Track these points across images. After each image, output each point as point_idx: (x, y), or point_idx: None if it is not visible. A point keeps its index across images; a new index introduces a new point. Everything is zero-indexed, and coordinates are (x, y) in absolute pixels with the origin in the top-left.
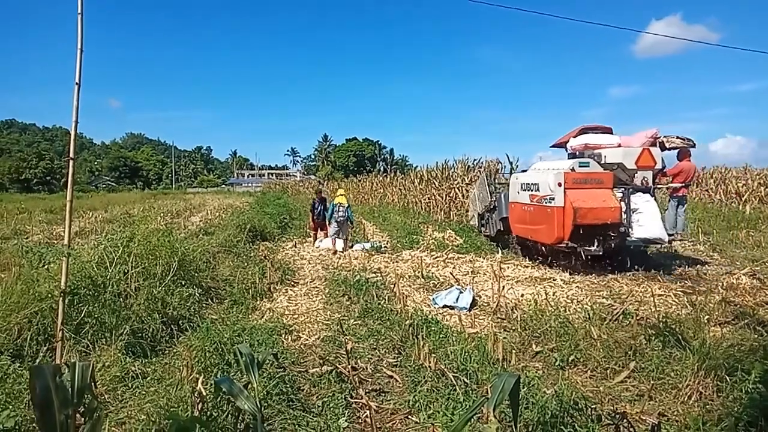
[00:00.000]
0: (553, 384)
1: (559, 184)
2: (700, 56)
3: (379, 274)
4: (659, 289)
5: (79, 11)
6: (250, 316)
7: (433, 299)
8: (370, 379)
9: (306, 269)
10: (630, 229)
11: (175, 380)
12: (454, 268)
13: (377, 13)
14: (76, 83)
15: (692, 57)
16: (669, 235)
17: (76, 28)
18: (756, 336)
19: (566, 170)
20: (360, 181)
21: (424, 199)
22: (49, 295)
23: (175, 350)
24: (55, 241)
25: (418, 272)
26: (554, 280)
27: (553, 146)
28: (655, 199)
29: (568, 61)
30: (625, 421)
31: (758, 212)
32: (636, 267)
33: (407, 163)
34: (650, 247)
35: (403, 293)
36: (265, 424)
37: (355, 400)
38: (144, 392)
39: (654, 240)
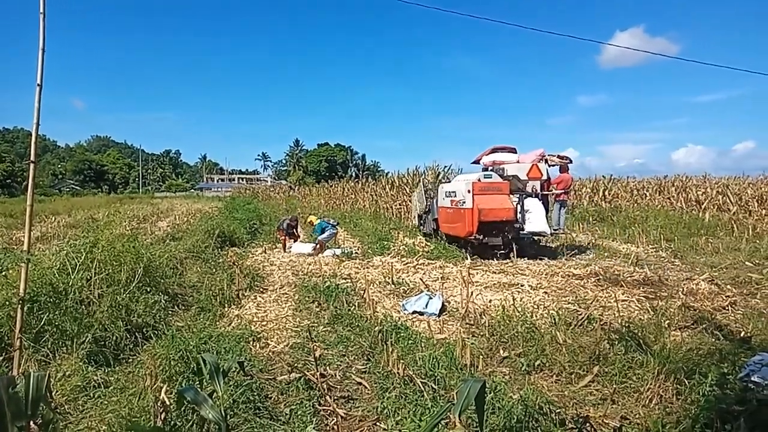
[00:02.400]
0: (519, 389)
1: (469, 191)
2: (662, 68)
3: (349, 281)
4: (623, 294)
5: (42, 10)
6: (217, 323)
7: (403, 305)
8: (338, 386)
9: (276, 275)
10: (522, 225)
11: (138, 389)
12: (424, 274)
13: (350, 19)
14: (38, 84)
15: (655, 68)
16: (554, 230)
17: (38, 27)
18: (713, 340)
19: (474, 181)
20: (331, 186)
21: (396, 205)
22: (7, 303)
23: (139, 359)
24: (15, 247)
25: (389, 278)
26: (522, 286)
27: (473, 162)
28: (546, 203)
29: (536, 71)
30: (588, 424)
31: (716, 219)
32: (531, 254)
33: (379, 169)
34: (539, 237)
35: (373, 299)
36: None
37: (324, 407)
38: (106, 402)
39: (540, 233)
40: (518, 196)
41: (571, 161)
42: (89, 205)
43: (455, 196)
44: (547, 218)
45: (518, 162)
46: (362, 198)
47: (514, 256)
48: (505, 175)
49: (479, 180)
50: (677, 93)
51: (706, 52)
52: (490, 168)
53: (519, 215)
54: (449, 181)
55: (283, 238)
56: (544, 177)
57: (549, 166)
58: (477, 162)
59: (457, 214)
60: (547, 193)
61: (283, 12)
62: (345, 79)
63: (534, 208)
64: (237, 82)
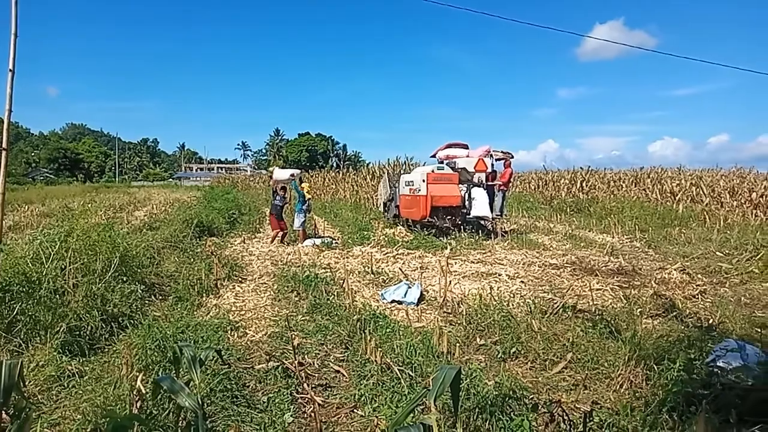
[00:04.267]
0: (494, 375)
1: (424, 181)
2: (640, 61)
3: (329, 270)
4: (597, 283)
5: None
6: (195, 312)
7: (382, 294)
8: (316, 375)
9: (254, 265)
10: (469, 210)
11: (114, 379)
12: (403, 263)
13: (333, 9)
14: (10, 70)
15: (633, 61)
16: (497, 215)
17: (10, 12)
18: (683, 327)
19: (428, 172)
20: (312, 176)
21: (376, 196)
22: None
23: (114, 348)
24: None
25: (368, 268)
26: (499, 275)
27: (431, 156)
28: (493, 193)
29: (517, 63)
30: (559, 409)
31: (690, 210)
32: (471, 232)
33: (360, 160)
34: (483, 221)
35: (353, 289)
36: (207, 422)
37: (301, 395)
38: (80, 391)
39: (483, 217)
40: (466, 185)
41: (512, 156)
42: (64, 194)
43: (413, 185)
44: (490, 205)
45: (468, 156)
46: (343, 188)
47: (459, 233)
48: (456, 167)
49: (433, 171)
50: (654, 86)
51: (683, 45)
52: (444, 161)
53: (466, 202)
54: (409, 173)
55: (275, 228)
56: (489, 170)
57: (495, 160)
58: (434, 156)
59: (414, 201)
60: (492, 183)
61: (264, 1)
62: (326, 68)
63: (479, 196)
64: (216, 70)
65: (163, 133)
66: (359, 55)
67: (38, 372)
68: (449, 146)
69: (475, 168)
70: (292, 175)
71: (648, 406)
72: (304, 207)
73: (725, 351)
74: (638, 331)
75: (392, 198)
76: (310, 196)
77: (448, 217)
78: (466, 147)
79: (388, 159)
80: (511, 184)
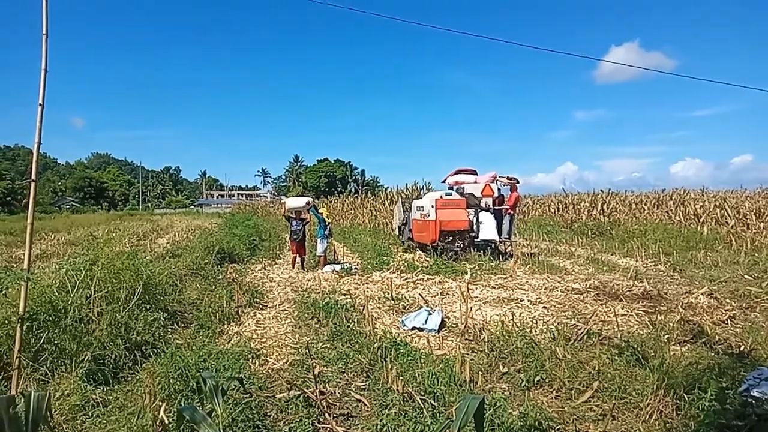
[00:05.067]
0: (518, 405)
1: (433, 206)
2: (659, 82)
3: (348, 297)
4: (622, 308)
5: (44, 32)
6: (216, 340)
7: (402, 321)
8: (338, 404)
9: (275, 292)
10: (477, 234)
11: (137, 408)
12: (423, 289)
13: (349, 35)
14: (40, 104)
15: (651, 82)
16: (505, 238)
17: (41, 48)
18: (713, 354)
19: (437, 198)
20: (331, 202)
21: (392, 220)
22: (6, 322)
23: (138, 377)
24: (15, 265)
25: (388, 294)
26: (521, 301)
27: (442, 182)
28: (498, 216)
29: (533, 86)
30: None
31: (715, 233)
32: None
33: (378, 184)
34: (491, 244)
35: (373, 315)
36: None
37: (323, 425)
38: (105, 421)
39: (491, 240)
40: (474, 210)
41: (518, 181)
42: (89, 222)
43: (423, 210)
44: (497, 228)
45: (475, 182)
46: (362, 213)
47: (469, 255)
48: (464, 192)
49: (441, 197)
50: (674, 107)
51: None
52: (453, 187)
53: (474, 226)
54: (420, 198)
55: (294, 254)
56: (496, 194)
57: (502, 186)
58: (445, 181)
59: (425, 225)
60: (499, 208)
61: (283, 28)
62: (344, 94)
63: (486, 220)
64: (237, 98)
65: (184, 161)
66: (376, 81)
67: (63, 401)
68: (458, 172)
69: (482, 193)
70: (308, 203)
71: None
72: (325, 232)
73: (759, 380)
74: (666, 358)
75: (406, 222)
76: (330, 221)
77: (458, 241)
78: (474, 173)
79: (406, 184)
80: (518, 208)
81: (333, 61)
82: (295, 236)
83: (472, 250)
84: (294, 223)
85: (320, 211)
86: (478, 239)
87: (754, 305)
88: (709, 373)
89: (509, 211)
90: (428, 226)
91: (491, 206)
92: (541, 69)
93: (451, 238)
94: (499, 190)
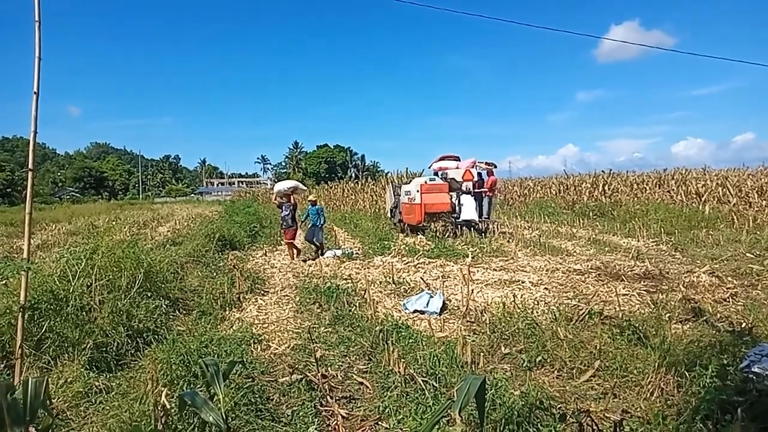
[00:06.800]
0: (520, 385)
1: (418, 191)
2: (659, 61)
3: (350, 281)
4: (624, 288)
5: (37, 19)
6: (218, 326)
7: (404, 304)
8: (340, 387)
9: (276, 278)
10: (459, 215)
11: (139, 394)
12: (424, 272)
13: (348, 20)
14: (35, 92)
15: (652, 62)
16: (485, 218)
17: (34, 36)
18: (714, 332)
19: (422, 182)
20: (331, 187)
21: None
22: (8, 311)
23: (140, 364)
24: (16, 255)
25: (389, 278)
26: (522, 282)
27: (428, 168)
28: (480, 199)
29: (533, 67)
30: (588, 418)
31: (717, 212)
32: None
33: (379, 169)
34: (472, 224)
35: (374, 299)
36: None
37: (325, 408)
38: (107, 408)
39: (471, 221)
40: (456, 193)
41: (495, 166)
42: (89, 212)
43: (410, 194)
44: (477, 210)
45: (457, 168)
46: (362, 198)
47: (452, 236)
48: (447, 177)
49: (426, 182)
50: (675, 86)
51: (703, 43)
52: (437, 172)
53: (456, 207)
54: (408, 183)
55: (289, 243)
56: (476, 179)
57: (482, 170)
58: (430, 167)
59: (412, 208)
60: (479, 191)
61: (282, 15)
62: (343, 80)
63: (467, 202)
64: (235, 85)
65: (184, 150)
66: (374, 65)
67: (66, 388)
68: (442, 159)
69: (463, 178)
70: (294, 188)
71: (680, 414)
72: (321, 222)
73: (760, 356)
74: (667, 336)
75: (396, 205)
76: (321, 206)
77: (441, 221)
78: (457, 159)
79: (407, 168)
80: (495, 191)
81: (330, 45)
82: (284, 223)
83: (458, 231)
84: (283, 208)
85: (310, 198)
86: (460, 219)
87: (755, 283)
88: (710, 350)
89: (488, 194)
90: (414, 208)
91: (471, 189)
92: (542, 51)
93: (435, 219)
94: (479, 174)
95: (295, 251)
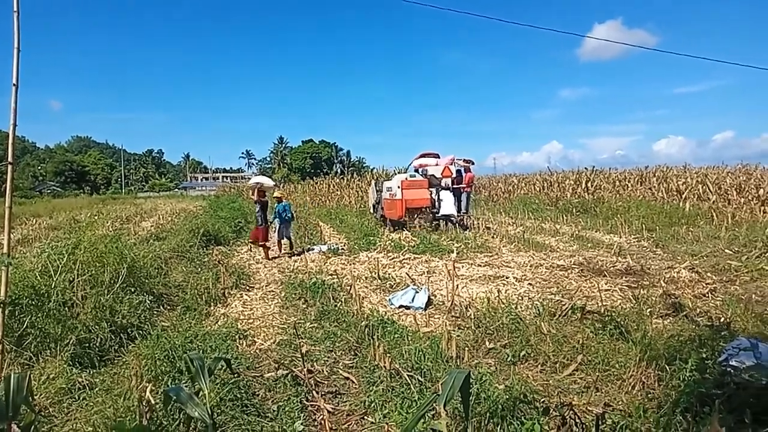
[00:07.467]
0: (504, 379)
1: (399, 187)
2: (641, 60)
3: (336, 277)
4: (606, 284)
5: (15, 9)
6: (203, 322)
7: (390, 300)
8: (326, 382)
9: (262, 273)
10: (438, 210)
11: (123, 390)
12: (410, 268)
13: (333, 16)
14: (14, 84)
15: (634, 60)
16: (463, 213)
17: (12, 26)
18: (693, 326)
19: (403, 179)
20: (317, 183)
21: (367, 199)
22: None
23: (124, 359)
24: None
25: (375, 273)
26: (507, 278)
27: (409, 165)
28: (459, 195)
29: (518, 65)
30: (571, 412)
31: (696, 209)
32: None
33: (364, 165)
34: (450, 218)
35: (360, 295)
36: (217, 431)
37: (311, 403)
38: (91, 403)
39: (450, 215)
40: (435, 189)
41: (473, 163)
42: (71, 206)
43: (392, 190)
44: (455, 205)
45: (437, 165)
46: (348, 194)
47: (433, 230)
48: (426, 174)
49: (406, 179)
50: (657, 85)
51: (684, 43)
52: (418, 169)
53: (436, 203)
54: (390, 179)
55: (261, 242)
56: (454, 175)
57: (460, 167)
58: (411, 164)
59: (393, 203)
60: (457, 186)
61: (267, 9)
62: (329, 75)
63: (446, 197)
64: (220, 79)
65: (167, 144)
66: (360, 61)
67: (49, 384)
68: (422, 156)
69: (442, 174)
70: (257, 183)
71: (661, 407)
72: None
73: (738, 350)
74: (648, 331)
75: (379, 201)
76: (288, 202)
77: (420, 216)
78: (437, 156)
79: (383, 166)
80: (473, 187)
81: (317, 40)
82: (257, 221)
83: (440, 225)
84: (258, 206)
85: (276, 195)
86: (439, 214)
87: (734, 278)
88: (689, 344)
89: (466, 189)
90: (396, 204)
91: (450, 185)
92: (527, 48)
93: (415, 214)
94: (458, 171)
95: (268, 250)
